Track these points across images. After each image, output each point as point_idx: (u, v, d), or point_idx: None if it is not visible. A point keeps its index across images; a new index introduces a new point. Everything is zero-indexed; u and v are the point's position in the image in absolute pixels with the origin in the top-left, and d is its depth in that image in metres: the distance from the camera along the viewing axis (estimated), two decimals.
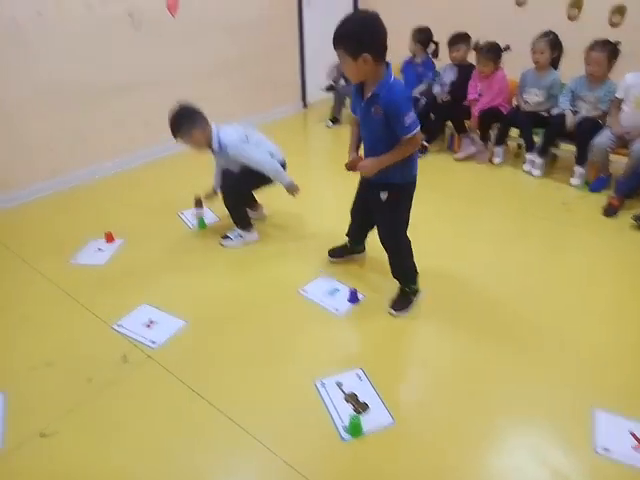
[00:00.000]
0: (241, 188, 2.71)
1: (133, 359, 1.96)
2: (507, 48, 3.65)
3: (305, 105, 5.22)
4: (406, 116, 1.83)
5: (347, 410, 1.70)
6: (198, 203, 2.89)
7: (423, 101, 4.04)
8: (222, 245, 2.73)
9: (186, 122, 2.47)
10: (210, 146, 2.57)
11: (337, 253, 2.56)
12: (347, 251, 2.55)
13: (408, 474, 1.52)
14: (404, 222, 2.12)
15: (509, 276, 2.45)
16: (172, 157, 3.79)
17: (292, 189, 2.66)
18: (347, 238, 2.51)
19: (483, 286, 2.38)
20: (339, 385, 1.80)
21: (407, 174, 2.02)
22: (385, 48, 1.80)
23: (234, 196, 2.69)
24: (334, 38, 1.80)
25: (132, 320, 2.16)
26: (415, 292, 2.24)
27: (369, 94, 1.88)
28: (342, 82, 4.56)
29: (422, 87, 4.11)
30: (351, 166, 2.07)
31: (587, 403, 1.72)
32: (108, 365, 1.93)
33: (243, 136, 2.58)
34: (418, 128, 1.88)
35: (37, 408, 1.75)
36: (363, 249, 2.55)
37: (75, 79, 3.29)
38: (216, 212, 3.05)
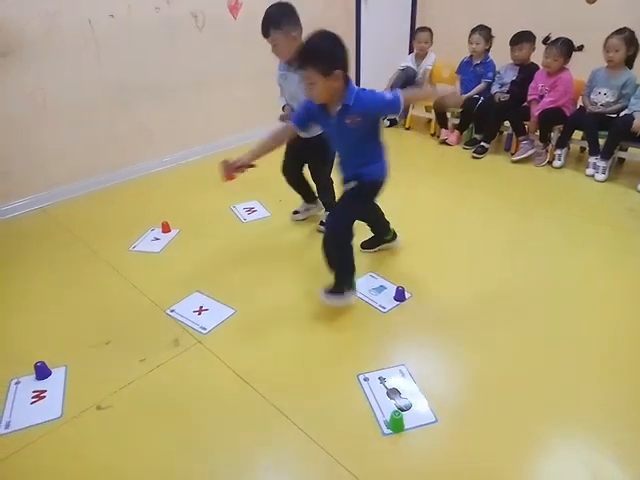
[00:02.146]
0: (330, 158, 2.54)
1: (184, 343, 2.04)
2: (580, 48, 3.45)
3: None
4: (384, 97, 1.87)
5: (389, 405, 1.69)
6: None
7: (480, 100, 3.95)
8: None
9: (290, 19, 2.31)
10: (291, 59, 2.29)
11: (367, 244, 2.62)
12: (378, 241, 2.61)
13: (448, 474, 1.49)
14: (355, 216, 2.13)
15: (564, 287, 2.34)
16: (227, 152, 3.91)
17: None
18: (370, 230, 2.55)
19: (536, 296, 2.29)
20: (382, 380, 1.79)
21: (378, 172, 2.05)
22: (348, 63, 1.82)
23: (328, 167, 2.59)
24: (303, 58, 1.75)
25: (184, 306, 2.25)
26: (347, 288, 2.14)
27: (338, 108, 1.87)
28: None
29: (480, 87, 4.01)
30: (226, 168, 1.99)
31: None
32: (160, 347, 2.02)
33: None
34: (397, 92, 1.90)
35: (94, 383, 1.86)
36: (395, 236, 2.61)
37: (141, 78, 3.47)
38: (268, 206, 3.12)
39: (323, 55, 1.75)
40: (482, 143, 3.88)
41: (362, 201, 2.14)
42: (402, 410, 1.65)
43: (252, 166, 2.03)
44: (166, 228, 2.87)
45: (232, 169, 2.00)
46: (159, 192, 3.42)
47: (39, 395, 1.80)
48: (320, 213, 2.94)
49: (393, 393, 1.74)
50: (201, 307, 2.24)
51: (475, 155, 3.84)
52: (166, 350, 2.00)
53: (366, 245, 2.60)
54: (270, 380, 1.84)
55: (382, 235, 2.57)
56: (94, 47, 3.22)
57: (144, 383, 1.85)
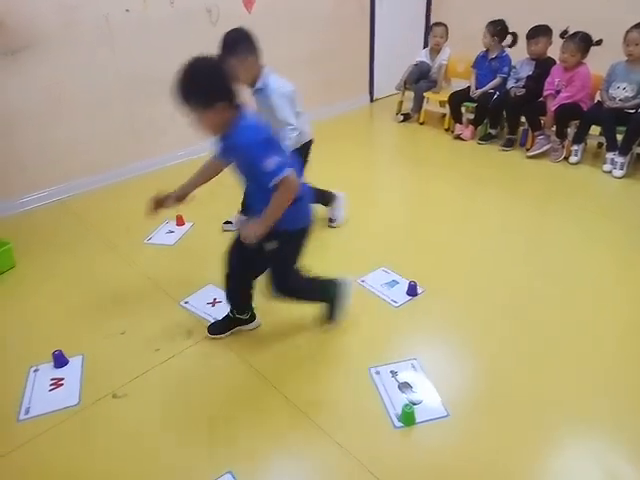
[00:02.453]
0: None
1: (197, 334, 2.06)
2: (599, 42, 3.39)
3: (372, 99, 5.21)
4: (265, 162, 1.56)
5: (400, 398, 1.70)
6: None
7: (496, 95, 3.92)
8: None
9: (245, 45, 2.23)
10: (253, 83, 2.33)
11: (217, 328, 2.05)
12: (232, 322, 2.04)
13: (458, 468, 1.50)
14: (294, 270, 1.84)
15: (579, 284, 2.32)
16: None
17: None
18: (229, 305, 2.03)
19: (550, 293, 2.28)
20: (393, 374, 1.80)
21: (298, 219, 1.74)
22: (235, 90, 1.60)
23: None
24: (178, 94, 1.56)
25: (198, 298, 2.28)
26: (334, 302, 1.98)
27: (223, 143, 1.71)
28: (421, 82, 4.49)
29: (496, 82, 3.97)
30: (155, 203, 1.92)
31: None
32: (174, 338, 2.05)
33: (292, 94, 2.40)
34: (288, 170, 1.60)
35: (110, 371, 1.89)
36: (253, 317, 2.07)
37: (155, 72, 3.49)
38: None
39: (198, 88, 1.55)
40: (508, 136, 3.88)
41: (292, 259, 1.83)
42: (414, 404, 1.66)
43: (181, 202, 1.95)
44: (180, 221, 2.90)
45: (158, 204, 1.94)
46: (173, 186, 3.44)
47: (57, 383, 1.84)
48: None
49: (405, 387, 1.74)
50: (215, 299, 2.26)
51: (504, 148, 3.84)
52: (180, 341, 2.03)
53: (215, 330, 2.03)
54: (282, 372, 1.86)
55: (239, 310, 2.01)
56: (110, 41, 3.25)
57: (159, 373, 1.88)
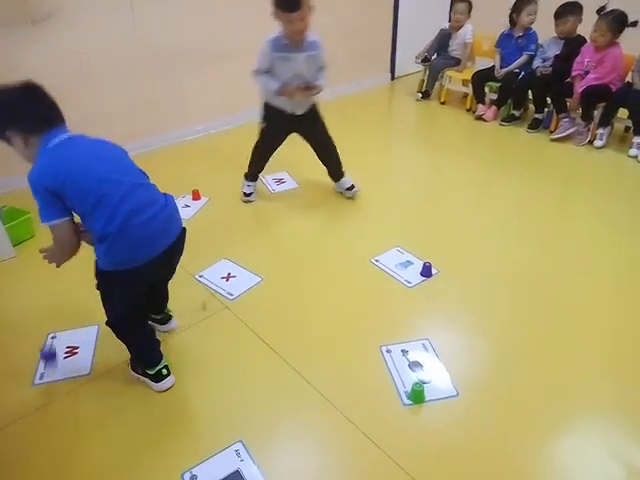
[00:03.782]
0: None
1: (211, 308, 2.09)
2: (635, 24, 3.21)
3: (393, 77, 5.11)
4: (37, 200, 1.42)
5: (410, 377, 1.70)
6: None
7: (521, 75, 3.81)
8: (355, 195, 2.85)
9: (307, 1, 2.26)
10: (302, 38, 2.40)
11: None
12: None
13: (464, 445, 1.50)
14: (123, 313, 1.63)
15: (598, 271, 2.28)
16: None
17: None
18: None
19: (567, 279, 2.24)
20: (404, 353, 1.80)
21: (109, 260, 1.51)
22: (41, 119, 1.46)
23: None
24: None
25: (213, 272, 2.29)
26: (155, 376, 1.70)
27: None
28: (434, 57, 4.40)
29: (522, 60, 3.85)
30: None
31: None
32: (189, 310, 2.07)
33: None
34: (55, 221, 1.44)
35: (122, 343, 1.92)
36: (167, 318, 1.96)
37: (178, 44, 3.47)
38: (296, 177, 3.12)
39: None
40: (535, 116, 3.80)
41: (115, 299, 1.61)
42: (423, 382, 1.66)
43: None
44: (196, 196, 2.91)
45: None
46: (191, 160, 3.46)
47: (72, 351, 1.88)
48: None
49: (415, 365, 1.74)
50: (229, 274, 2.28)
51: (530, 130, 3.77)
52: (194, 313, 2.06)
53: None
54: (295, 348, 1.87)
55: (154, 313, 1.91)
56: (131, 12, 3.23)
57: (172, 344, 1.91)
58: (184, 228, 1.67)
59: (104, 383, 1.76)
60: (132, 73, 3.36)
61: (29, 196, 1.44)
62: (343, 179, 2.88)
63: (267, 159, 2.85)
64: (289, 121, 2.65)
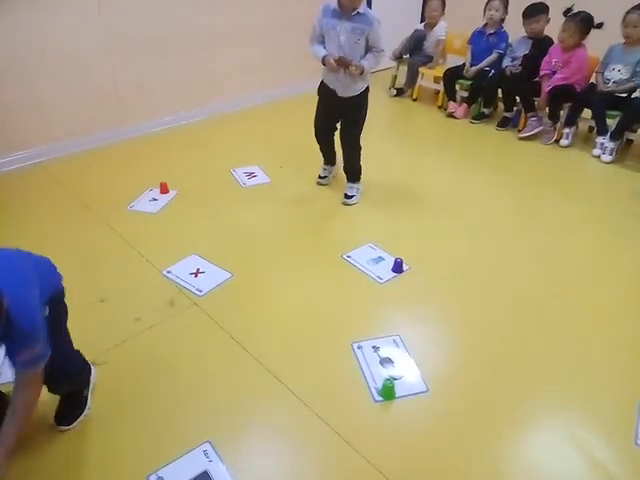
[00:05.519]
0: (364, 115, 2.58)
1: (179, 304, 2.04)
2: (600, 26, 3.32)
3: None
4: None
5: (381, 373, 1.70)
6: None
7: (491, 73, 3.86)
8: (347, 205, 2.74)
9: None
10: (353, 6, 2.28)
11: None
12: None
13: (434, 441, 1.52)
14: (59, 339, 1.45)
15: (563, 266, 2.34)
16: (231, 115, 3.85)
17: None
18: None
19: (533, 273, 2.29)
20: (375, 349, 1.80)
21: None
22: None
23: (360, 125, 2.59)
24: None
25: (181, 268, 2.24)
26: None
27: None
28: (407, 56, 4.40)
29: (492, 58, 3.91)
30: None
31: (635, 397, 1.65)
32: (156, 307, 2.02)
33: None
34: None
35: (91, 339, 1.84)
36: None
37: (143, 31, 3.36)
38: (268, 172, 3.08)
39: None
40: (504, 114, 3.87)
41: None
42: (394, 379, 1.66)
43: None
44: (164, 189, 2.84)
45: None
46: (159, 152, 3.37)
47: None
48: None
49: (386, 362, 1.75)
50: (198, 269, 2.23)
51: (499, 128, 3.83)
52: (162, 310, 2.00)
53: (64, 421, 1.55)
54: (264, 344, 1.85)
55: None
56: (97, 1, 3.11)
57: (139, 341, 1.86)
58: None
59: None
60: (100, 63, 3.24)
61: None
62: (347, 184, 2.80)
63: (322, 141, 2.76)
64: (334, 102, 2.51)
